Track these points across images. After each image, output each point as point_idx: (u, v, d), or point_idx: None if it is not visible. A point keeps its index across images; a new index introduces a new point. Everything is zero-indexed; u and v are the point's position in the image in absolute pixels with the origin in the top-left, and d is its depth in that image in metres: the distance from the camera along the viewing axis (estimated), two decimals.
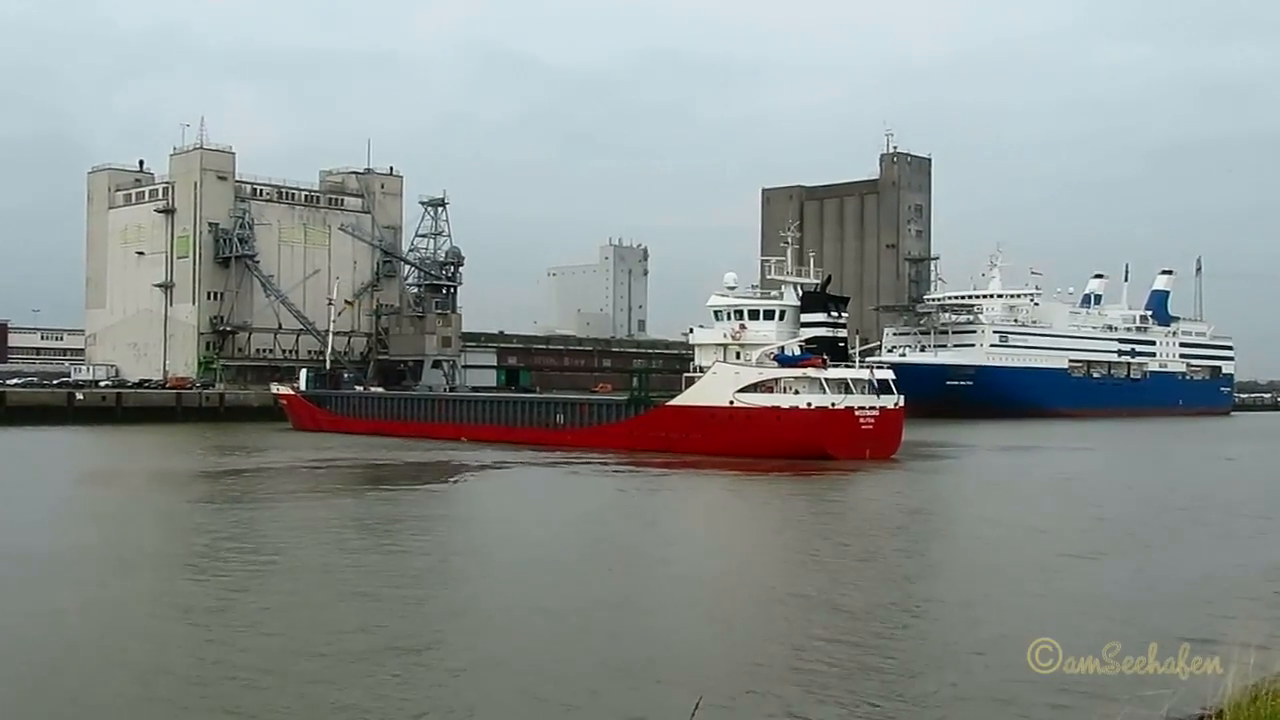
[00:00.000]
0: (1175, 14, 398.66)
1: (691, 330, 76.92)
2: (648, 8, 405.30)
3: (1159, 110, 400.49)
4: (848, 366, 70.72)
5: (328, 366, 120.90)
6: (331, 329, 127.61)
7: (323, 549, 33.09)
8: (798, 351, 69.79)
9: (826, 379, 67.23)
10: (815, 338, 70.08)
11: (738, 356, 70.53)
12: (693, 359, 76.68)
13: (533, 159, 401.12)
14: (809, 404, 66.11)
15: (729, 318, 71.85)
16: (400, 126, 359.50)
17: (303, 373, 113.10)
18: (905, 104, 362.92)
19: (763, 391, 67.76)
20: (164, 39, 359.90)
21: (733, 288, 74.64)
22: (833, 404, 66.34)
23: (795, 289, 72.95)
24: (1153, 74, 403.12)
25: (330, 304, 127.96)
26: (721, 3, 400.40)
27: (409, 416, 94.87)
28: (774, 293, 74.44)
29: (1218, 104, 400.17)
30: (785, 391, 67.59)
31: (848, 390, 67.84)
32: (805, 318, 71.08)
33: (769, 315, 71.27)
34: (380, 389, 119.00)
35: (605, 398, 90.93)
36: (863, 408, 67.69)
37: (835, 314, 72.01)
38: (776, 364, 69.01)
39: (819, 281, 76.49)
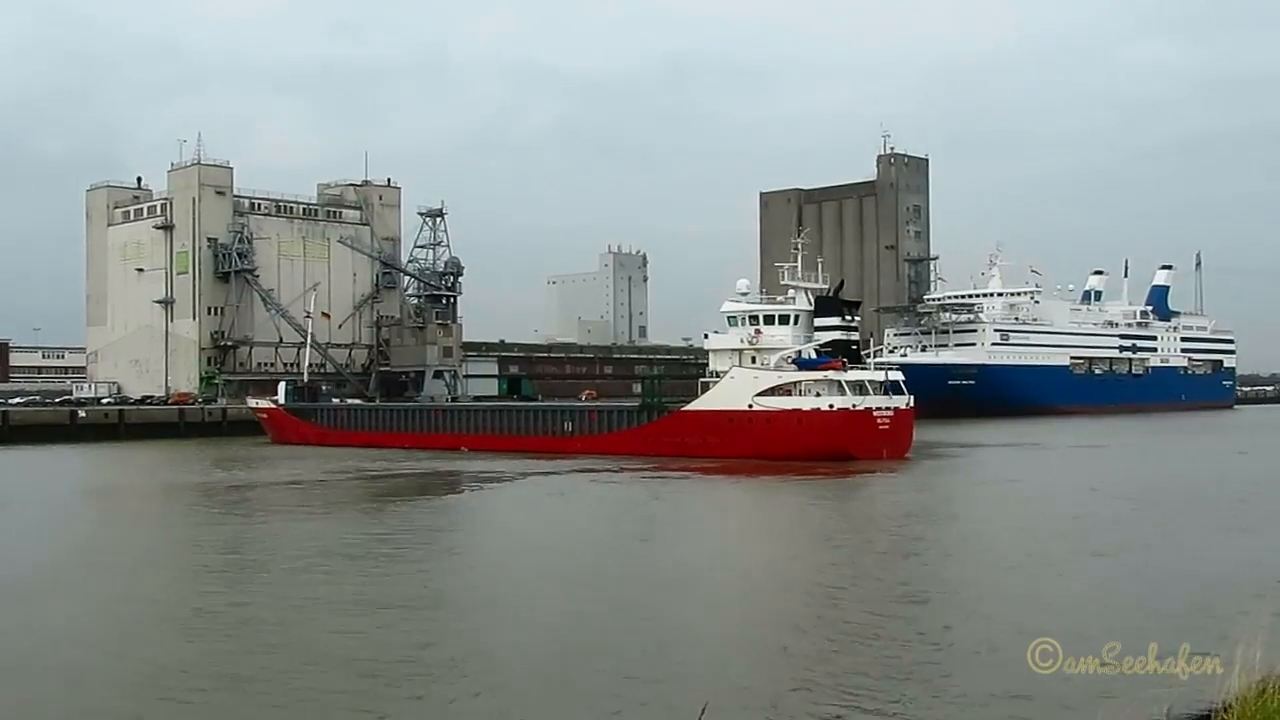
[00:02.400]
0: (1181, 10, 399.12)
1: (706, 336, 77.73)
2: (659, 12, 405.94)
3: (1158, 106, 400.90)
4: (862, 369, 71.78)
5: (305, 379, 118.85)
6: (309, 341, 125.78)
7: (382, 559, 33.16)
8: (814, 355, 70.78)
9: (846, 381, 68.26)
10: (830, 341, 71.15)
11: (753, 361, 71.34)
12: (706, 364, 77.41)
13: (534, 166, 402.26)
14: (831, 406, 67.03)
15: (743, 323, 72.67)
16: (418, 137, 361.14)
17: (281, 385, 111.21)
18: (904, 106, 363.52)
19: (781, 395, 68.54)
20: (205, 58, 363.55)
21: (745, 293, 75.73)
22: (853, 405, 67.28)
23: (806, 294, 74.04)
24: (1154, 70, 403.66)
25: (308, 316, 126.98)
26: (730, 7, 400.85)
27: (403, 428, 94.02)
28: (780, 298, 75.51)
29: (1219, 99, 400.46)
30: (803, 394, 68.43)
31: (863, 392, 68.73)
32: (819, 321, 72.19)
33: (783, 320, 72.16)
34: (357, 400, 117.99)
35: (615, 404, 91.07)
36: (880, 409, 68.78)
37: (848, 318, 73.17)
38: (795, 367, 69.99)
39: (826, 286, 77.52)
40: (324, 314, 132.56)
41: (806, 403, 67.82)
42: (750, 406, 68.40)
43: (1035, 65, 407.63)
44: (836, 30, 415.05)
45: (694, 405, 73.28)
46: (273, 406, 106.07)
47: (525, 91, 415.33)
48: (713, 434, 69.55)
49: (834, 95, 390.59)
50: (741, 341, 72.21)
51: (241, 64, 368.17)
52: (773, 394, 68.51)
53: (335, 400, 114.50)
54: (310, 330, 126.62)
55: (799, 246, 76.46)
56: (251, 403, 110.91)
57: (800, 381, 69.11)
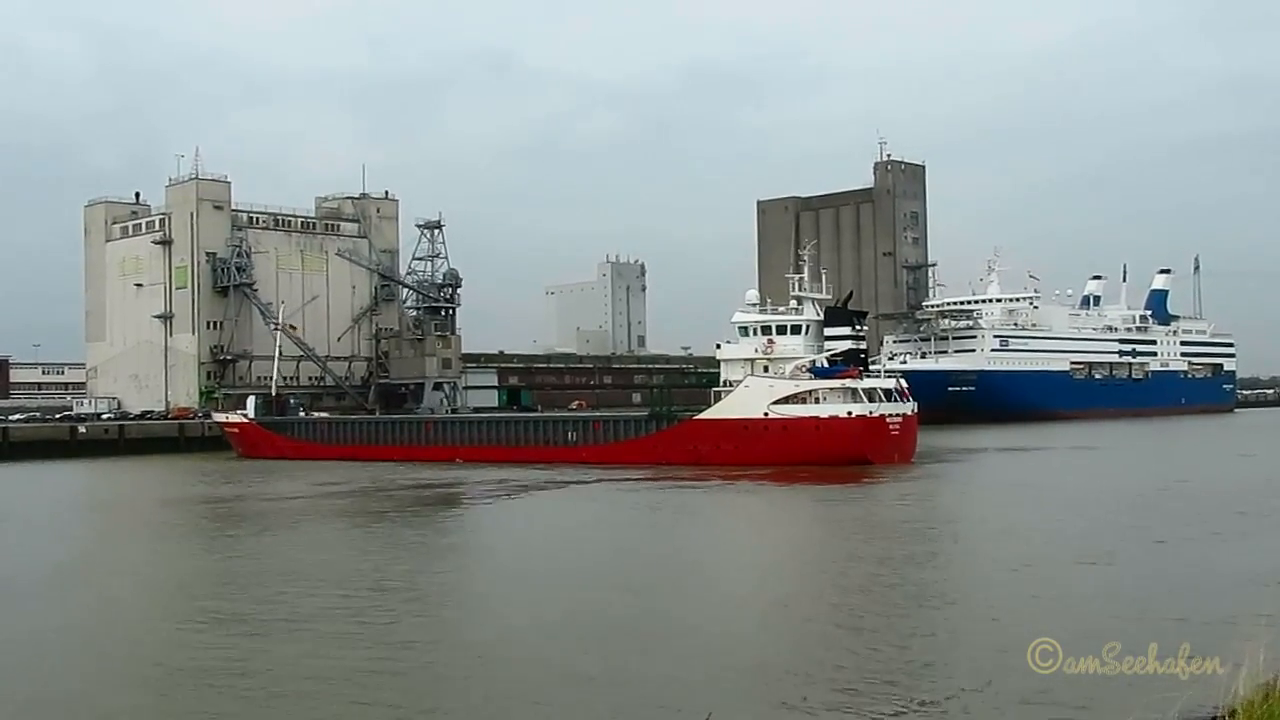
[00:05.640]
0: (1185, 15, 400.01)
1: (718, 346, 78.94)
2: (674, 19, 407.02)
3: (1158, 110, 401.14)
4: (873, 376, 73.75)
5: (274, 392, 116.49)
6: (277, 354, 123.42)
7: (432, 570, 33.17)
8: (827, 364, 72.29)
9: (862, 389, 69.96)
10: (841, 350, 72.73)
11: (765, 370, 72.54)
12: (708, 373, 78.51)
13: (535, 173, 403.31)
14: (849, 413, 68.58)
15: (756, 333, 73.89)
16: (425, 151, 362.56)
17: (250, 399, 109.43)
18: (901, 112, 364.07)
19: (796, 403, 69.79)
20: (246, 72, 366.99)
21: (754, 304, 77.44)
22: (870, 412, 68.75)
23: (814, 304, 75.72)
24: (1156, 75, 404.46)
25: (276, 329, 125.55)
26: (732, 14, 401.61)
27: (390, 440, 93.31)
28: (782, 308, 76.86)
29: (1220, 102, 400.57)
30: (819, 402, 69.79)
31: (874, 399, 70.15)
32: (830, 331, 73.67)
33: (795, 330, 73.55)
34: (325, 414, 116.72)
35: (621, 413, 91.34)
36: (892, 415, 70.21)
37: (858, 327, 74.93)
38: (811, 376, 71.38)
39: (831, 297, 79.56)
40: (290, 326, 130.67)
41: (824, 410, 69.15)
42: (766, 414, 69.61)
43: (1033, 72, 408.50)
44: (836, 36, 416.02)
45: (707, 414, 74.23)
46: (244, 421, 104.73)
47: (535, 100, 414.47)
48: (727, 442, 70.39)
49: (832, 102, 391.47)
50: (755, 351, 73.48)
51: (284, 77, 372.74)
52: (788, 402, 69.75)
53: (302, 413, 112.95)
54: (278, 343, 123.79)
55: (806, 258, 78.39)
56: (219, 417, 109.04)
57: (816, 390, 70.35)
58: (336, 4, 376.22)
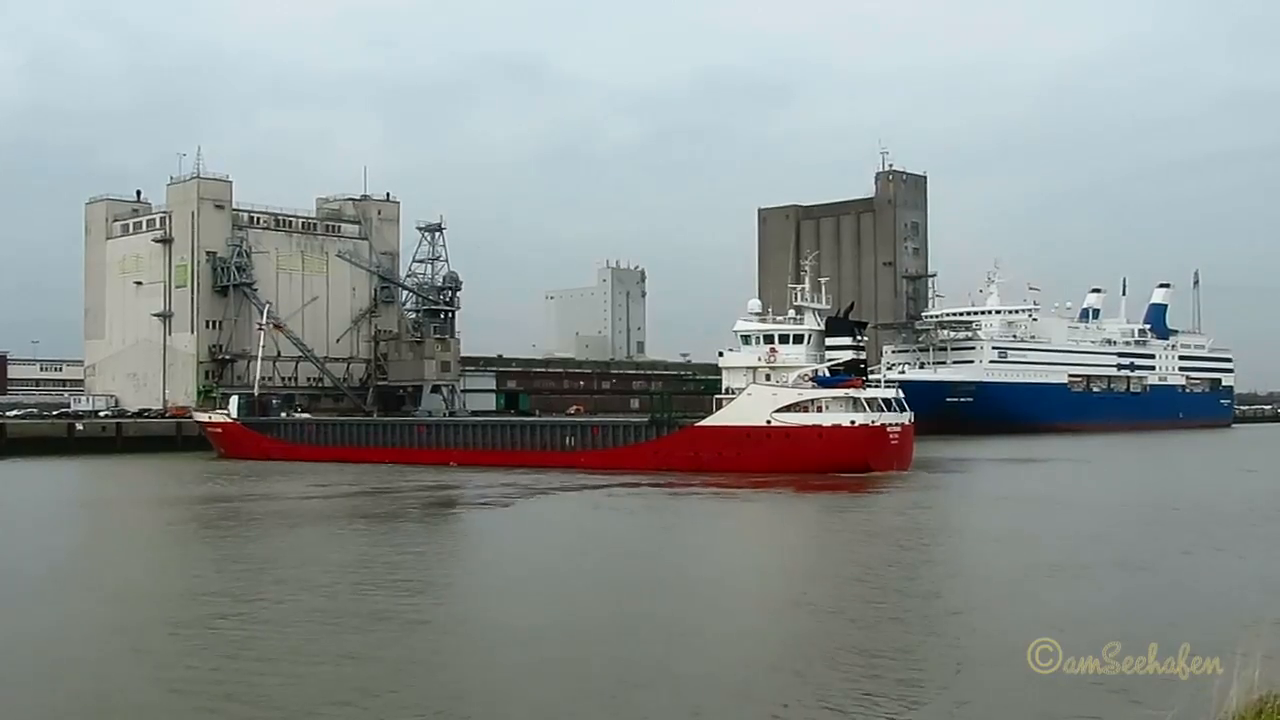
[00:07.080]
0: (1189, 32, 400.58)
1: (720, 354, 79.39)
2: (683, 27, 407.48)
3: (1160, 125, 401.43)
4: (873, 386, 74.71)
5: (256, 392, 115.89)
6: (259, 354, 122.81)
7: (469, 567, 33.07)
8: (829, 374, 73.17)
9: (864, 399, 70.84)
10: (843, 360, 73.72)
11: (768, 379, 73.06)
12: (705, 379, 78.83)
13: (536, 179, 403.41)
14: (852, 422, 69.36)
15: (758, 342, 74.37)
16: (424, 155, 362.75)
17: (233, 400, 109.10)
18: (904, 122, 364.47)
19: (799, 411, 70.45)
20: (276, 72, 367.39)
21: (756, 313, 77.96)
22: (871, 421, 69.56)
23: (815, 314, 76.57)
24: (1159, 89, 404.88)
25: (261, 329, 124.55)
26: (734, 25, 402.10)
27: (382, 442, 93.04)
28: (781, 317, 77.41)
29: (1221, 118, 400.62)
30: (822, 411, 70.57)
31: (875, 408, 70.94)
32: (831, 341, 74.65)
33: (797, 339, 74.23)
34: (307, 415, 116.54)
35: (620, 419, 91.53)
36: (892, 424, 71.18)
37: (859, 337, 75.90)
38: (814, 385, 72.18)
39: (831, 307, 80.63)
40: (276, 326, 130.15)
41: (827, 419, 69.95)
42: (769, 422, 70.13)
43: (1037, 87, 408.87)
44: (840, 47, 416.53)
45: (709, 421, 74.78)
46: (227, 420, 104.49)
47: (549, 106, 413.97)
48: (729, 449, 70.99)
49: (835, 112, 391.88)
50: (758, 360, 73.93)
51: (312, 79, 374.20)
52: (791, 410, 70.33)
53: (284, 414, 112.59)
54: (261, 343, 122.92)
55: (807, 269, 79.41)
56: (201, 417, 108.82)
57: (820, 399, 71.08)
58: (359, 7, 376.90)
